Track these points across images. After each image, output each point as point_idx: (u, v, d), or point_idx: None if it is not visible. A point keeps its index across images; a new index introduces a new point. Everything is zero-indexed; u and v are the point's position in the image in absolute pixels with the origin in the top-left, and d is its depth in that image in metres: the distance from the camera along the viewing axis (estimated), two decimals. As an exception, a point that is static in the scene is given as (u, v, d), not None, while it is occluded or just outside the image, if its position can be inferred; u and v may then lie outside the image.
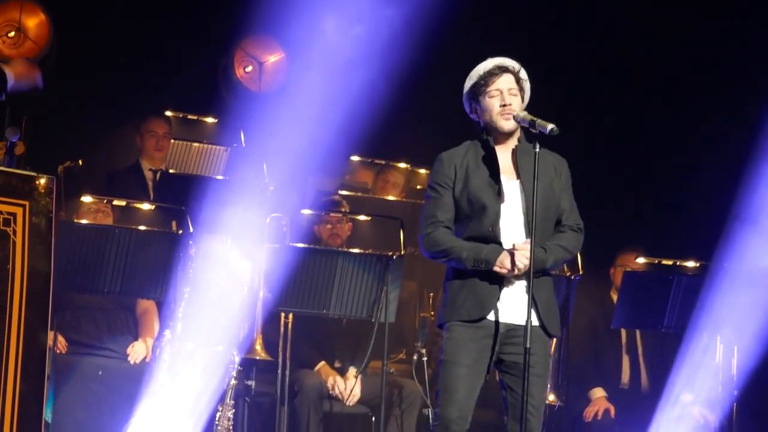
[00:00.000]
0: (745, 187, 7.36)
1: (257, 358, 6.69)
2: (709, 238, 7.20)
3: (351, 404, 7.01)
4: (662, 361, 7.37)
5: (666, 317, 7.01)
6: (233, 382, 6.50)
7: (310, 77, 7.92)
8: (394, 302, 6.59)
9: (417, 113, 8.52)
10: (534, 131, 4.91)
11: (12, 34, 7.81)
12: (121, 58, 8.21)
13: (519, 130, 5.05)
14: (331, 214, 7.32)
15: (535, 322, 4.91)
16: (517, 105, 5.01)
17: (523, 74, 5.06)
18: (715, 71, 8.54)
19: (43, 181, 5.17)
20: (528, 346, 4.81)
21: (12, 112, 6.47)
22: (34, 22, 7.87)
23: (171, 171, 8.03)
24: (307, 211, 7.39)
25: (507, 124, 5.00)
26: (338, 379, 7.02)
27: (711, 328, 6.93)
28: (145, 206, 7.25)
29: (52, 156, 6.87)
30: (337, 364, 7.14)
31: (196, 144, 8.52)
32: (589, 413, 7.35)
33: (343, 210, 7.38)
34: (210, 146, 8.54)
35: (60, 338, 6.68)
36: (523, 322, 4.90)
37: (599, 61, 8.87)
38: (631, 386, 7.56)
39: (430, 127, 8.21)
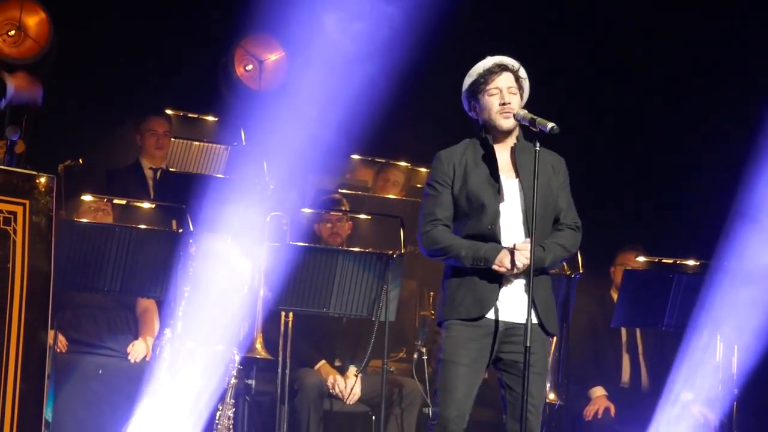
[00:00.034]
0: (745, 186, 7.36)
1: (257, 356, 6.69)
2: (709, 237, 7.20)
3: (351, 403, 7.01)
4: (662, 360, 7.37)
5: (666, 316, 7.01)
6: (233, 380, 6.50)
7: (310, 75, 7.91)
8: (395, 301, 6.59)
9: (417, 112, 8.52)
10: (534, 130, 4.91)
11: (12, 32, 7.82)
12: (121, 57, 8.22)
13: (518, 128, 5.06)
14: (332, 213, 7.32)
15: (534, 320, 4.91)
16: (517, 103, 5.01)
17: (523, 73, 5.06)
18: (715, 71, 8.54)
19: (43, 179, 5.17)
20: (528, 344, 4.82)
21: (12, 111, 6.47)
22: (34, 20, 7.87)
23: (171, 169, 8.03)
24: (307, 210, 7.39)
25: (506, 123, 5.01)
26: (338, 377, 7.02)
27: (711, 326, 6.93)
28: (146, 205, 7.25)
29: (52, 155, 6.87)
30: (337, 363, 7.14)
31: (197, 143, 8.52)
32: (589, 412, 7.36)
33: (343, 209, 7.37)
34: (210, 145, 8.55)
35: (60, 337, 6.68)
36: (522, 321, 4.90)
37: (599, 61, 8.87)
38: (632, 385, 7.56)
39: (430, 126, 8.21)
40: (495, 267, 4.89)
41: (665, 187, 8.69)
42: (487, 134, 5.06)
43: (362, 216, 7.55)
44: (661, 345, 7.49)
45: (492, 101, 5.00)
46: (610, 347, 7.56)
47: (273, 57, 8.71)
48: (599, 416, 7.33)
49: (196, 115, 8.78)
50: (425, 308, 7.57)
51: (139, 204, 7.21)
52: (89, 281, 6.36)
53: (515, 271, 4.89)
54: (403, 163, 8.71)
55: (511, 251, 4.89)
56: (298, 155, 7.45)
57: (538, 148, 4.90)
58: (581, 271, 7.06)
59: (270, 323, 6.72)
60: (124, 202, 7.13)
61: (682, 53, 8.70)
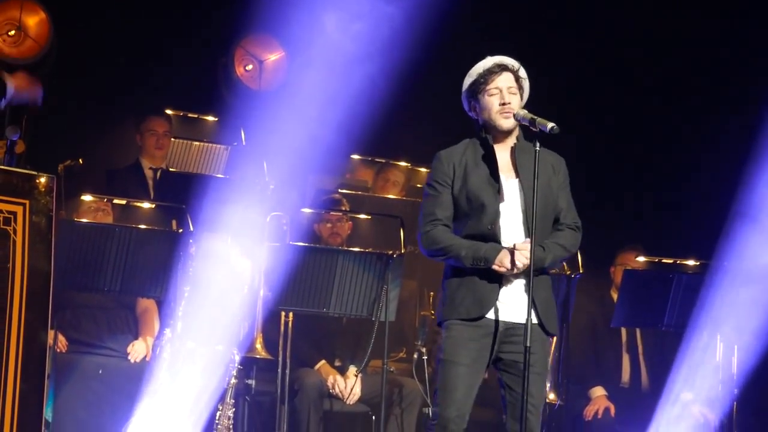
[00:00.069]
0: (745, 186, 7.36)
1: (257, 356, 6.69)
2: (709, 237, 7.21)
3: (351, 403, 7.01)
4: (662, 360, 7.37)
5: (666, 316, 7.01)
6: (233, 381, 6.50)
7: (310, 75, 7.91)
8: (395, 301, 6.59)
9: (417, 112, 8.52)
10: (534, 129, 4.91)
11: (12, 32, 7.82)
12: (121, 57, 8.22)
13: (518, 128, 5.06)
14: (332, 213, 7.32)
15: (534, 320, 4.91)
16: (516, 104, 5.01)
17: (523, 73, 5.07)
18: (715, 71, 8.55)
19: (43, 179, 5.17)
20: (528, 344, 4.82)
21: (12, 111, 6.47)
22: (34, 20, 7.87)
23: (171, 169, 8.03)
24: (307, 210, 7.39)
25: (506, 123, 5.01)
26: (338, 377, 7.02)
27: (711, 326, 6.93)
28: (146, 205, 7.25)
29: (52, 155, 6.87)
30: (337, 363, 7.14)
31: (197, 142, 8.52)
32: (590, 412, 7.36)
33: (343, 209, 7.37)
34: (210, 145, 8.54)
35: (60, 337, 6.68)
36: (521, 321, 4.91)
37: (599, 61, 8.87)
38: (632, 385, 7.56)
39: (430, 126, 8.22)
40: (495, 267, 4.89)
41: (665, 187, 8.69)
42: (487, 134, 5.06)
43: (362, 216, 7.55)
44: (661, 345, 7.49)
45: (492, 101, 5.00)
46: (610, 347, 7.56)
47: (273, 57, 8.71)
48: (599, 416, 7.33)
49: (196, 115, 8.78)
50: (425, 308, 7.57)
51: (139, 204, 7.21)
52: (89, 281, 6.36)
53: (515, 271, 4.89)
54: (403, 163, 8.71)
55: (511, 251, 4.89)
56: (298, 155, 7.45)
57: (538, 148, 4.90)
58: (581, 271, 7.06)
59: (270, 323, 6.72)
60: (124, 202, 7.13)
61: (682, 53, 8.70)
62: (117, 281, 6.35)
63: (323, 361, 7.08)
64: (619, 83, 8.86)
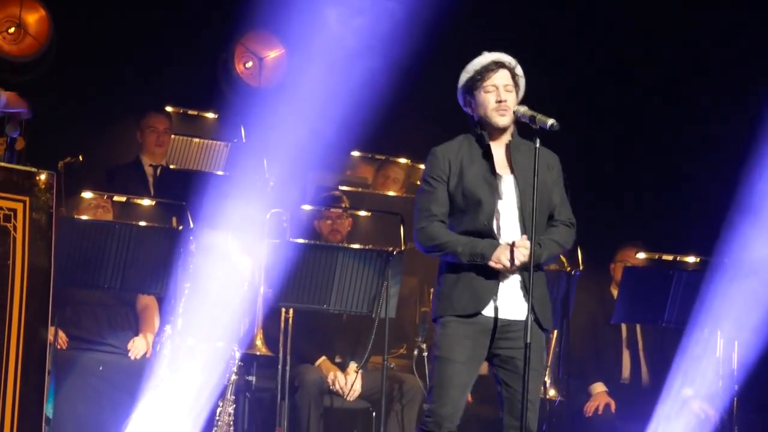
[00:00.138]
0: (744, 183, 7.37)
1: (258, 353, 6.69)
2: (709, 234, 7.21)
3: (352, 399, 7.01)
4: (663, 356, 7.37)
5: (666, 312, 7.01)
6: (234, 377, 6.50)
7: (310, 72, 7.92)
8: (395, 297, 6.60)
9: (417, 109, 8.52)
10: (534, 126, 4.92)
11: (12, 30, 7.82)
12: (121, 54, 8.22)
13: (512, 125, 5.06)
14: (332, 210, 7.32)
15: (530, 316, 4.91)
16: (512, 101, 5.02)
17: (519, 70, 5.07)
18: (715, 71, 8.55)
19: (43, 176, 5.17)
20: (529, 341, 4.81)
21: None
22: (34, 18, 7.88)
23: (171, 166, 8.03)
24: (307, 207, 7.39)
25: (502, 120, 5.01)
26: (339, 374, 7.02)
27: (711, 322, 6.93)
28: (146, 202, 7.25)
29: (52, 152, 6.88)
30: (337, 360, 7.14)
31: (197, 139, 8.51)
32: (590, 408, 7.36)
33: (343, 205, 7.37)
34: (210, 142, 8.54)
35: (61, 334, 6.68)
36: (518, 317, 4.93)
37: (599, 61, 8.88)
38: (632, 381, 7.56)
39: (430, 123, 8.21)
40: (492, 263, 4.89)
41: (665, 184, 8.69)
42: (482, 130, 5.06)
43: (362, 213, 7.55)
44: (662, 341, 7.50)
45: (488, 98, 5.00)
46: (610, 344, 7.56)
47: (273, 54, 8.71)
48: (600, 412, 7.33)
49: (196, 112, 8.77)
50: (425, 305, 7.57)
51: (139, 201, 7.21)
52: (89, 278, 6.36)
53: (512, 267, 4.89)
54: (403, 160, 8.71)
55: (507, 247, 4.89)
56: (298, 152, 7.45)
57: (538, 145, 4.90)
58: (581, 268, 7.06)
59: (270, 320, 6.72)
60: (124, 199, 7.12)
61: (682, 53, 8.71)
62: (117, 278, 6.35)
63: (323, 358, 7.08)
64: (619, 83, 8.87)
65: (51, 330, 5.32)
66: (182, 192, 7.08)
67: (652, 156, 8.83)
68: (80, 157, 6.81)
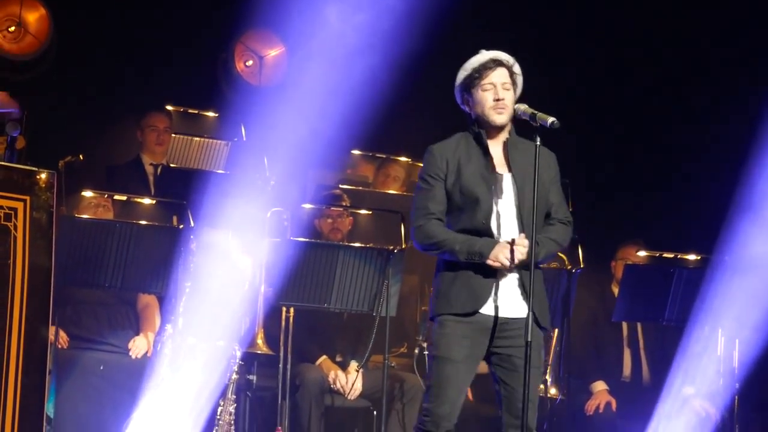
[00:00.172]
0: (745, 181, 7.37)
1: (258, 352, 6.69)
2: (709, 231, 7.21)
3: (352, 398, 7.01)
4: (663, 354, 7.37)
5: (667, 310, 7.01)
6: (234, 376, 6.50)
7: (310, 71, 7.92)
8: (395, 296, 6.59)
9: (418, 108, 8.52)
10: (535, 124, 4.92)
11: (12, 28, 7.82)
12: (121, 53, 8.22)
13: (510, 123, 5.06)
14: (332, 209, 7.32)
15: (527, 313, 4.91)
16: (510, 99, 5.02)
17: (517, 68, 5.07)
18: (715, 71, 8.55)
19: (43, 175, 5.17)
20: (529, 339, 4.81)
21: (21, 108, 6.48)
22: (34, 16, 7.88)
23: (172, 165, 8.03)
24: (307, 206, 7.39)
25: (499, 118, 5.01)
26: (339, 373, 7.02)
27: (712, 320, 6.93)
28: (146, 201, 7.25)
29: (52, 151, 6.88)
30: (338, 358, 7.14)
31: (197, 138, 8.51)
32: (591, 406, 7.36)
33: (343, 204, 7.38)
34: (211, 140, 8.54)
35: (61, 333, 6.68)
36: (516, 315, 4.93)
37: (599, 61, 8.87)
38: (633, 379, 7.56)
39: (431, 122, 8.21)
40: (490, 262, 4.89)
41: (665, 184, 8.69)
42: (480, 129, 5.06)
43: (363, 211, 7.55)
44: (662, 339, 7.49)
45: (486, 96, 5.00)
46: (611, 342, 7.56)
47: (273, 52, 8.71)
48: (600, 410, 7.33)
49: (196, 111, 8.77)
50: (426, 303, 7.56)
51: (139, 200, 7.21)
52: (90, 277, 6.36)
53: (510, 265, 4.89)
54: (403, 159, 8.71)
55: (505, 246, 4.89)
56: (298, 151, 7.45)
57: (539, 143, 4.90)
58: (582, 266, 7.06)
59: (271, 319, 6.73)
60: (124, 198, 7.13)
61: (682, 53, 8.71)
62: (118, 277, 6.35)
63: (324, 357, 7.08)
64: (619, 83, 8.87)
65: (52, 329, 5.32)
66: (183, 191, 7.08)
67: (652, 156, 8.83)
68: (81, 156, 6.81)
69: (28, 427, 5.06)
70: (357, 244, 6.76)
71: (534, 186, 4.86)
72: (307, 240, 6.78)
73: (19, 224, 5.08)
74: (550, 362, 7.24)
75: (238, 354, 6.53)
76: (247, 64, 8.67)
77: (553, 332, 7.21)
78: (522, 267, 4.92)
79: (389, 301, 6.51)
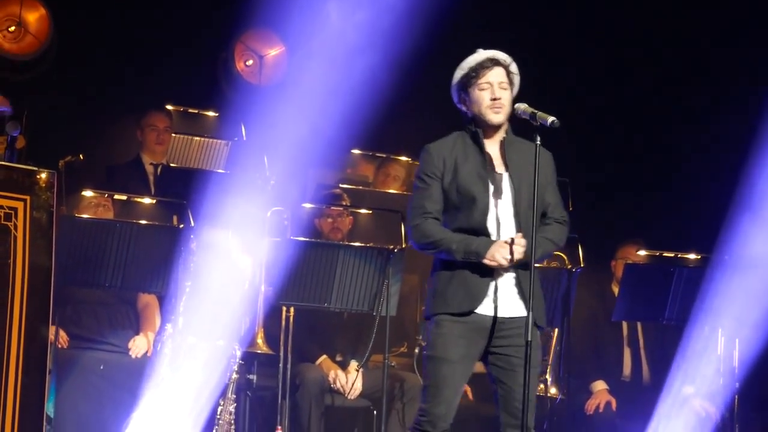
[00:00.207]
0: (744, 182, 7.37)
1: (258, 351, 6.69)
2: (709, 231, 7.21)
3: (352, 398, 7.01)
4: (663, 354, 7.37)
5: (667, 309, 7.01)
6: (235, 376, 6.51)
7: (310, 70, 7.92)
8: (396, 296, 6.59)
9: (418, 107, 8.52)
10: (535, 123, 4.92)
11: (12, 28, 7.82)
12: (121, 53, 8.22)
13: (507, 122, 5.06)
14: (332, 208, 7.32)
15: (524, 313, 4.91)
16: (507, 98, 5.02)
17: (514, 68, 5.07)
18: (715, 71, 8.55)
19: (44, 175, 5.18)
20: (529, 339, 4.81)
21: (13, 106, 6.47)
22: (34, 16, 7.88)
23: (172, 165, 8.03)
24: (308, 205, 7.39)
25: (496, 118, 5.01)
26: (340, 372, 7.02)
27: (712, 320, 6.93)
28: (146, 200, 7.25)
29: (52, 150, 6.88)
30: (338, 358, 7.14)
31: (197, 138, 8.50)
32: (591, 406, 7.36)
33: (344, 203, 7.38)
34: (211, 140, 8.54)
35: (61, 333, 6.68)
36: (512, 315, 4.94)
37: (599, 61, 8.88)
38: (633, 379, 7.56)
39: (431, 121, 8.21)
40: (486, 261, 4.89)
41: (665, 184, 8.69)
42: (477, 128, 5.06)
43: (363, 211, 7.55)
44: (662, 339, 7.49)
45: (483, 96, 5.00)
46: (611, 341, 7.56)
47: (273, 52, 8.71)
48: (600, 410, 7.33)
49: (196, 111, 8.77)
50: (426, 303, 7.57)
51: (139, 199, 7.21)
52: (90, 277, 6.36)
53: (506, 264, 4.89)
54: (403, 158, 8.71)
55: (502, 245, 4.88)
56: (298, 150, 7.45)
57: (539, 142, 4.90)
58: (582, 265, 7.06)
59: (271, 318, 6.72)
60: (124, 197, 7.13)
61: (682, 53, 8.71)
62: (118, 277, 6.35)
63: (324, 356, 7.08)
64: (619, 83, 8.87)
65: (52, 329, 5.32)
66: (183, 190, 7.08)
67: (652, 156, 8.83)
68: (81, 156, 6.81)
69: (28, 426, 5.07)
70: (357, 244, 6.76)
71: (534, 186, 4.86)
72: (308, 239, 6.78)
73: (20, 224, 5.08)
74: (550, 362, 7.24)
75: (238, 353, 6.53)
76: (247, 63, 8.67)
77: (553, 332, 7.21)
78: (518, 266, 4.93)
79: (389, 300, 6.51)
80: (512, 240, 4.89)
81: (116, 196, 7.08)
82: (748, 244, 6.95)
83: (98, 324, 6.89)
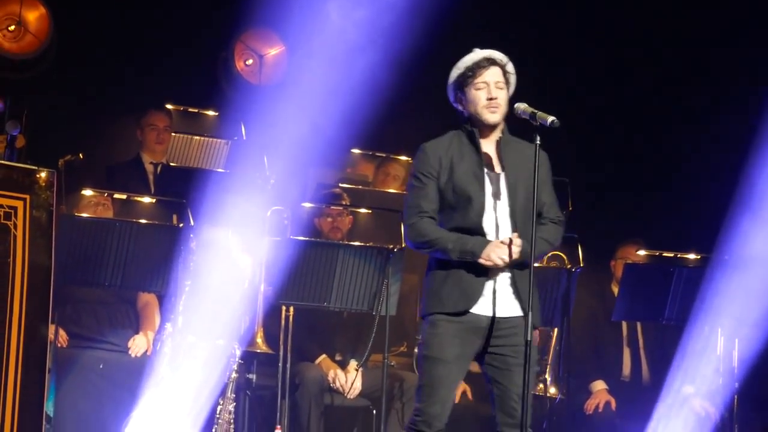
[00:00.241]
0: (744, 182, 7.38)
1: (258, 351, 6.69)
2: (709, 231, 7.21)
3: (352, 397, 7.01)
4: (663, 354, 7.37)
5: (667, 309, 7.01)
6: (234, 375, 6.51)
7: (310, 70, 7.92)
8: (395, 295, 6.60)
9: (417, 107, 8.52)
10: (535, 123, 4.91)
11: (12, 27, 7.82)
12: (121, 52, 8.21)
13: (503, 122, 5.06)
14: (332, 207, 7.33)
15: (520, 313, 4.91)
16: (503, 98, 5.01)
17: (510, 67, 5.07)
18: (715, 71, 8.55)
19: (43, 174, 5.18)
20: (529, 338, 4.81)
21: (12, 105, 6.47)
22: (34, 15, 7.87)
23: (172, 164, 8.02)
24: (307, 204, 7.39)
25: (492, 117, 5.01)
26: (339, 372, 7.03)
27: (712, 319, 6.93)
28: (146, 199, 7.25)
29: (52, 149, 6.87)
30: (338, 357, 7.14)
31: (197, 137, 8.50)
32: (590, 406, 7.36)
33: (343, 203, 7.38)
34: (211, 139, 8.53)
35: (61, 332, 6.68)
36: (508, 314, 4.94)
37: (599, 61, 8.88)
38: (632, 379, 7.56)
39: (430, 121, 8.20)
40: (482, 261, 4.89)
41: (665, 184, 8.70)
42: (473, 127, 5.05)
43: (363, 210, 7.55)
44: (662, 338, 7.50)
45: (479, 95, 5.00)
46: (610, 341, 7.56)
47: (273, 51, 8.70)
48: (600, 410, 7.33)
49: (196, 110, 8.76)
50: (426, 303, 7.56)
51: (139, 199, 7.21)
52: (90, 276, 6.36)
53: (501, 264, 4.89)
54: (403, 158, 8.71)
55: (498, 245, 4.88)
56: (298, 149, 7.45)
57: (538, 142, 4.90)
58: (582, 265, 7.06)
59: (271, 317, 6.72)
60: (124, 196, 7.13)
61: (682, 53, 8.71)
62: (118, 276, 6.35)
63: (324, 356, 7.08)
64: (619, 83, 8.87)
65: (51, 328, 5.33)
66: (183, 189, 7.08)
67: (652, 156, 8.83)
68: (80, 155, 6.80)
69: (28, 425, 5.07)
70: (357, 243, 6.76)
71: (534, 186, 4.86)
72: (307, 239, 6.78)
73: (19, 223, 5.09)
74: (549, 361, 7.24)
75: (238, 353, 6.53)
76: (247, 62, 8.67)
77: (553, 332, 7.21)
78: (514, 266, 4.92)
79: (389, 299, 6.51)
80: (510, 240, 4.89)
81: (116, 196, 7.08)
82: (748, 244, 6.96)
83: (98, 323, 6.89)
